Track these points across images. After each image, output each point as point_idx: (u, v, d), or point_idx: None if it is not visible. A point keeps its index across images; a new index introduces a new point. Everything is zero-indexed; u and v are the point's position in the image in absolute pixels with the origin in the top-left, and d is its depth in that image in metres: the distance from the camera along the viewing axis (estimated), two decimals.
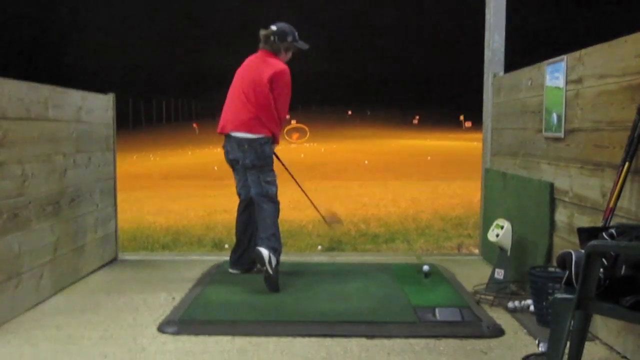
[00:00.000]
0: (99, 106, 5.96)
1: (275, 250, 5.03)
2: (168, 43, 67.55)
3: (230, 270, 5.54)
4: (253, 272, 5.47)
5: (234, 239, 5.64)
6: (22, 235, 4.42)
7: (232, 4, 70.83)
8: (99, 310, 4.54)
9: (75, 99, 5.42)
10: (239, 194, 5.51)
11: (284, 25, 5.35)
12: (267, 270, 4.91)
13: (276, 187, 5.26)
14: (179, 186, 15.11)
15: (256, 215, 5.25)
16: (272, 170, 5.27)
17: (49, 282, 4.83)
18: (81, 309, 4.58)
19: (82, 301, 4.78)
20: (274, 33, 5.27)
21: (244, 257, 5.51)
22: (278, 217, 5.25)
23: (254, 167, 5.19)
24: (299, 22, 5.46)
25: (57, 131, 5.02)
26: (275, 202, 5.24)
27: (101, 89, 6.22)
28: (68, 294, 4.99)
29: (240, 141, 5.17)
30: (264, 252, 4.94)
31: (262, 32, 5.31)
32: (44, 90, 4.85)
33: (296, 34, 5.36)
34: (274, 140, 5.26)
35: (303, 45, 5.42)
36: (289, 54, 5.39)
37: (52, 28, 58.67)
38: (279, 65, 5.22)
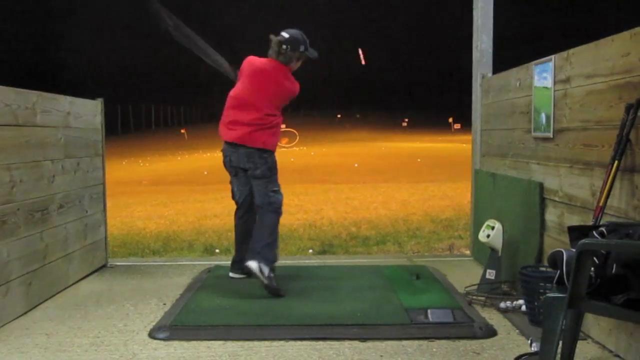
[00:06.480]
0: (88, 112, 5.93)
1: (267, 259, 4.96)
2: (157, 48, 67.39)
3: (231, 275, 5.49)
4: (253, 276, 5.45)
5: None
6: (10, 242, 4.38)
7: (223, 10, 70.78)
8: (89, 317, 4.50)
9: (64, 104, 5.39)
10: (237, 200, 5.43)
11: (296, 33, 5.13)
12: (262, 281, 4.89)
13: (282, 196, 5.23)
14: (169, 191, 15.05)
15: (256, 223, 5.20)
16: (277, 179, 5.24)
17: (38, 289, 4.79)
18: (71, 315, 4.55)
19: (72, 308, 4.74)
20: (286, 41, 5.07)
21: (244, 261, 5.47)
22: (278, 226, 5.22)
23: (262, 177, 5.13)
24: (287, 27, 5.34)
25: (45, 137, 4.99)
26: (278, 213, 5.19)
27: (89, 94, 6.19)
28: (58, 301, 4.95)
29: (250, 152, 5.08)
30: (253, 264, 4.91)
31: (274, 40, 5.11)
32: (32, 96, 4.81)
33: (307, 42, 5.16)
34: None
35: (313, 53, 5.21)
36: (299, 63, 5.20)
37: (39, 32, 58.40)
38: (296, 85, 5.19)
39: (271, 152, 5.15)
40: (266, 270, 4.91)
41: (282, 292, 4.91)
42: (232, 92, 5.24)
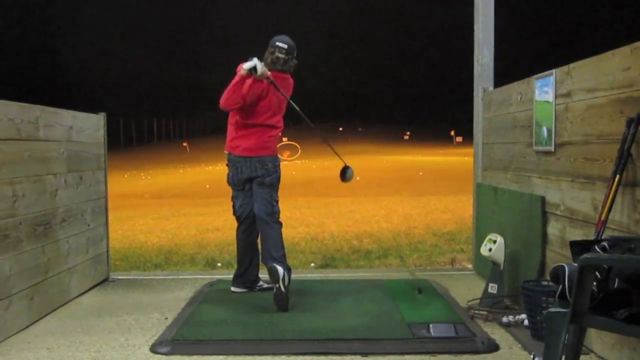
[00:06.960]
0: (90, 126, 5.95)
1: (289, 270, 5.04)
2: (159, 61, 67.64)
3: (233, 289, 5.50)
4: (255, 290, 5.46)
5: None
6: (12, 256, 4.38)
7: (223, 23, 71.13)
8: (90, 331, 4.49)
9: (66, 118, 5.41)
10: (239, 216, 5.44)
11: (288, 40, 5.29)
12: (279, 288, 4.89)
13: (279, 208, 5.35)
14: (171, 205, 15.06)
15: (264, 234, 5.23)
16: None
17: (40, 304, 4.79)
18: (73, 330, 4.54)
19: (74, 322, 4.73)
20: (287, 53, 5.23)
21: (246, 275, 5.48)
22: None
23: (271, 185, 5.24)
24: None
25: (48, 151, 5.01)
26: (280, 223, 5.31)
27: (92, 108, 6.22)
28: (59, 315, 4.94)
29: (264, 160, 5.22)
30: (280, 269, 4.93)
31: (274, 55, 5.21)
32: (35, 111, 4.84)
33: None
34: None
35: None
36: None
37: (43, 46, 58.66)
38: (292, 82, 5.39)
39: (279, 160, 5.36)
40: (287, 279, 4.95)
41: (288, 308, 4.90)
42: (246, 119, 5.23)
